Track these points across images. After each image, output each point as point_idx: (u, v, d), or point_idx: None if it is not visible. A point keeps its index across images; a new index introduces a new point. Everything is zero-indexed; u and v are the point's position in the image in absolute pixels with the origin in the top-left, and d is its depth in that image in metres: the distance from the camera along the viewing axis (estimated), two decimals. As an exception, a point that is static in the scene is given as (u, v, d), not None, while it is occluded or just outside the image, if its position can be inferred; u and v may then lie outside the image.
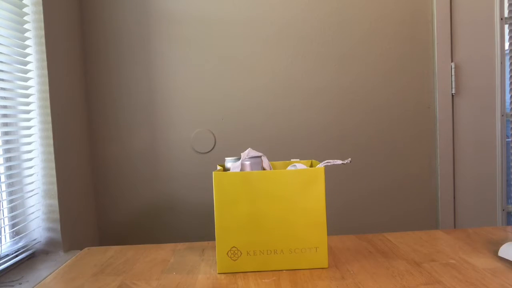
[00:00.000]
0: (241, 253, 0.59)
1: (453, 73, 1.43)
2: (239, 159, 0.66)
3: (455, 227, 1.47)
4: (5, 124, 1.03)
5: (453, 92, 1.44)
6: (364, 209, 1.46)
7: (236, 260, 0.59)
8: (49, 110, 1.10)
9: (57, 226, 1.11)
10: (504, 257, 0.60)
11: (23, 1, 1.06)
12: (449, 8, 1.43)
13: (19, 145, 1.07)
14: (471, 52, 1.44)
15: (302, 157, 1.43)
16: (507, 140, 1.50)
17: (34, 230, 1.09)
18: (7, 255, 0.98)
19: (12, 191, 1.04)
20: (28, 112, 1.09)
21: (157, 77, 1.39)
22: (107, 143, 1.40)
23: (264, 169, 0.67)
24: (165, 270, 0.62)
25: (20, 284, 0.89)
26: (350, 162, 0.61)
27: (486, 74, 1.46)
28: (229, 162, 0.67)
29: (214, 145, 1.40)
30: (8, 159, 1.04)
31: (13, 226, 1.03)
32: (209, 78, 1.40)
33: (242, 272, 0.59)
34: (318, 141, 1.43)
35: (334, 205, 1.44)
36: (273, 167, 0.75)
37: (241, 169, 0.63)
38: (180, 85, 1.39)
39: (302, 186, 0.59)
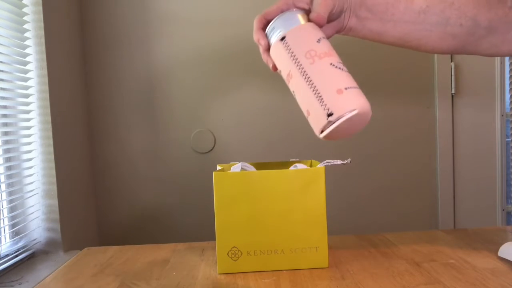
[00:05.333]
0: (242, 253, 0.59)
1: (453, 73, 1.43)
2: None
3: (455, 227, 1.47)
4: (5, 124, 1.03)
5: (453, 92, 1.44)
6: (364, 209, 1.46)
7: (236, 260, 0.59)
8: (49, 110, 1.09)
9: (57, 226, 1.11)
10: (504, 257, 0.60)
11: (22, 1, 1.06)
12: (449, 8, 1.42)
13: (19, 145, 1.07)
14: (471, 52, 1.44)
15: (302, 157, 1.43)
16: (507, 140, 1.50)
17: (34, 230, 1.09)
18: (7, 255, 0.98)
19: (12, 191, 1.04)
20: (28, 112, 1.09)
21: (157, 77, 1.39)
22: (107, 143, 1.39)
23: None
24: (165, 270, 0.62)
25: (20, 284, 0.89)
26: (350, 162, 0.61)
27: (486, 74, 1.46)
28: None
29: (214, 145, 1.40)
30: (8, 159, 1.04)
31: (13, 226, 1.03)
32: (209, 78, 1.40)
33: (242, 273, 0.59)
34: (318, 141, 1.43)
35: (334, 205, 1.44)
36: (273, 167, 0.75)
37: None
38: (180, 85, 1.39)
39: (302, 186, 0.59)
